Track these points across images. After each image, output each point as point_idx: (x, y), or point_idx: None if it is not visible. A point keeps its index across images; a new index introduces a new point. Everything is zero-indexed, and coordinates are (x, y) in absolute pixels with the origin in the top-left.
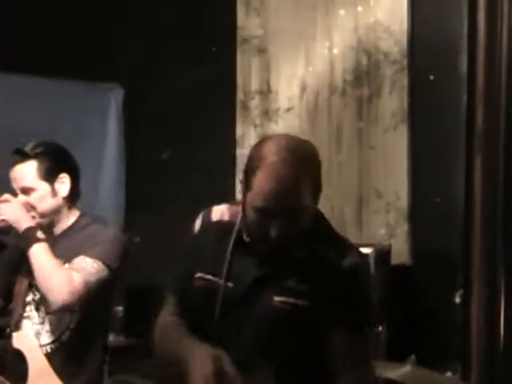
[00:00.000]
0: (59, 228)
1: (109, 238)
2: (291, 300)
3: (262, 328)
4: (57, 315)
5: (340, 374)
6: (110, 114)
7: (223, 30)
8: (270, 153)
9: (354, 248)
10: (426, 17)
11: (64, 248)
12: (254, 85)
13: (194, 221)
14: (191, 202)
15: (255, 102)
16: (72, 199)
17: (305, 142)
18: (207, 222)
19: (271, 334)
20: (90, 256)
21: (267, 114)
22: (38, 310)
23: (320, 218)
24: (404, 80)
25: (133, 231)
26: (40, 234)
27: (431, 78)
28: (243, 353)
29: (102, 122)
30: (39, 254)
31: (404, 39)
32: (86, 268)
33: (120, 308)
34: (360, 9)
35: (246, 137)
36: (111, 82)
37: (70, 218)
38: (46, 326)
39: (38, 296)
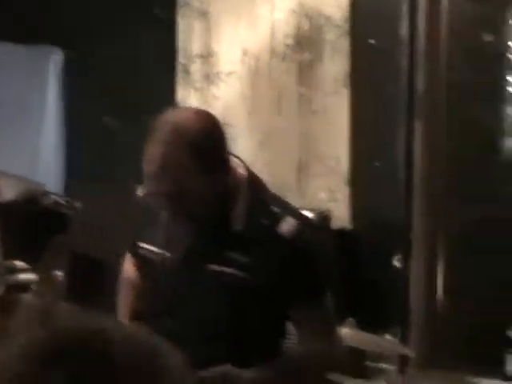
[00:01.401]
0: None
1: None
2: (227, 270)
3: (196, 298)
4: None
5: (305, 344)
6: (49, 78)
7: None
8: (156, 127)
9: (295, 213)
10: None
11: None
12: (195, 48)
13: (136, 187)
14: (133, 168)
15: (196, 66)
16: None
17: (199, 115)
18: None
19: (207, 304)
20: None
21: (208, 77)
22: None
23: (256, 185)
24: (345, 44)
25: (74, 197)
26: None
27: (372, 42)
28: (183, 323)
29: (41, 86)
30: None
31: (346, 4)
32: None
33: (60, 273)
34: None
35: (187, 101)
36: (50, 45)
37: None
38: None
39: None
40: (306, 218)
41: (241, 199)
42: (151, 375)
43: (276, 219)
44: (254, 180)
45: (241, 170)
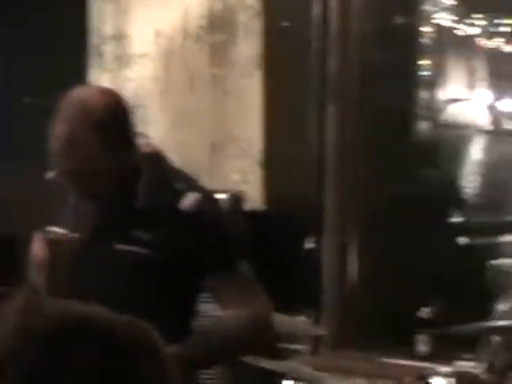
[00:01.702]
0: None
1: None
2: (133, 248)
3: (105, 277)
4: None
5: (229, 314)
6: None
7: None
8: (62, 105)
9: (198, 187)
10: None
11: None
12: (108, 29)
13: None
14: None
15: (109, 47)
16: None
17: (103, 93)
18: None
19: (115, 283)
20: None
21: (121, 59)
22: None
23: (160, 162)
24: (258, 26)
25: None
26: None
27: (285, 23)
28: (92, 303)
29: None
30: None
31: None
32: None
33: None
34: None
35: (100, 82)
36: None
37: None
38: None
39: None
40: (209, 192)
41: (144, 176)
42: (150, 351)
43: (179, 195)
44: (157, 157)
45: (145, 148)
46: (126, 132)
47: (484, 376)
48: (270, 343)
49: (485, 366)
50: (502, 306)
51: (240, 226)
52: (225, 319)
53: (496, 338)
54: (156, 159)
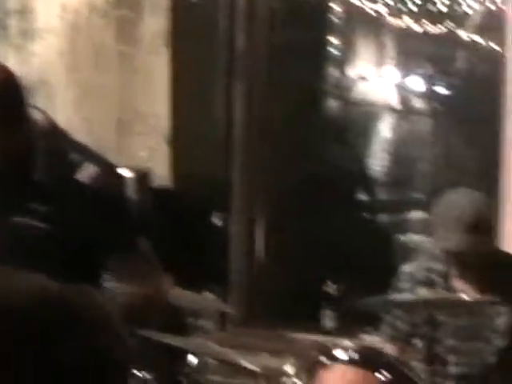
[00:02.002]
0: None
1: None
2: (30, 222)
3: (4, 250)
4: None
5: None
6: None
7: None
8: None
9: (96, 159)
10: None
11: None
12: (12, 3)
13: None
14: None
15: (13, 21)
16: None
17: None
18: None
19: (13, 257)
20: None
21: (26, 33)
22: None
23: (56, 135)
24: (165, 2)
25: None
26: None
27: (193, 0)
28: None
29: None
30: None
31: None
32: None
33: None
34: None
35: (5, 58)
36: None
37: None
38: None
39: None
40: (109, 165)
41: (40, 149)
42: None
43: (75, 167)
44: (53, 130)
45: (40, 121)
46: (19, 106)
47: (387, 349)
48: (172, 320)
49: (387, 339)
50: (406, 282)
51: (145, 203)
52: (121, 296)
53: (398, 312)
54: (52, 133)
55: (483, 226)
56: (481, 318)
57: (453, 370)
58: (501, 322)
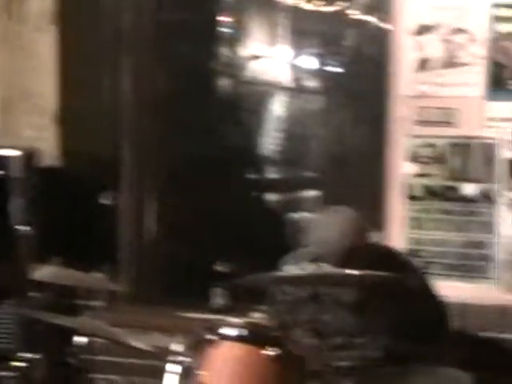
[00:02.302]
0: None
1: None
2: None
3: None
4: None
5: None
6: None
7: None
8: None
9: None
10: None
11: None
12: None
13: None
14: None
15: None
16: None
17: None
18: None
19: None
20: None
21: None
22: None
23: None
24: None
25: None
26: None
27: None
28: None
29: None
30: None
31: None
32: None
33: None
34: None
35: None
36: None
37: None
38: None
39: None
40: None
41: None
42: None
43: None
44: None
45: None
46: None
47: (275, 325)
48: (61, 300)
49: (275, 315)
50: (294, 259)
51: (32, 183)
52: None
53: (286, 288)
54: None
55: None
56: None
57: (338, 342)
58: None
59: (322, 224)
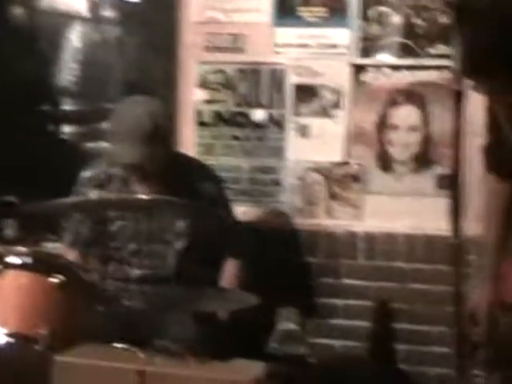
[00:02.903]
0: None
1: None
2: None
3: None
4: None
5: None
6: None
7: None
8: None
9: None
10: None
11: None
12: None
13: None
14: None
15: None
16: None
17: None
18: None
19: None
20: None
21: None
22: None
23: None
24: None
25: None
26: None
27: None
28: None
29: None
30: None
31: None
32: None
33: None
34: None
35: None
36: None
37: None
38: None
39: None
40: None
41: None
42: None
43: None
44: None
45: None
46: None
47: (67, 255)
48: None
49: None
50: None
51: None
52: None
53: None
54: None
55: (159, 134)
56: (161, 221)
57: (136, 272)
58: (180, 224)
59: (122, 112)
